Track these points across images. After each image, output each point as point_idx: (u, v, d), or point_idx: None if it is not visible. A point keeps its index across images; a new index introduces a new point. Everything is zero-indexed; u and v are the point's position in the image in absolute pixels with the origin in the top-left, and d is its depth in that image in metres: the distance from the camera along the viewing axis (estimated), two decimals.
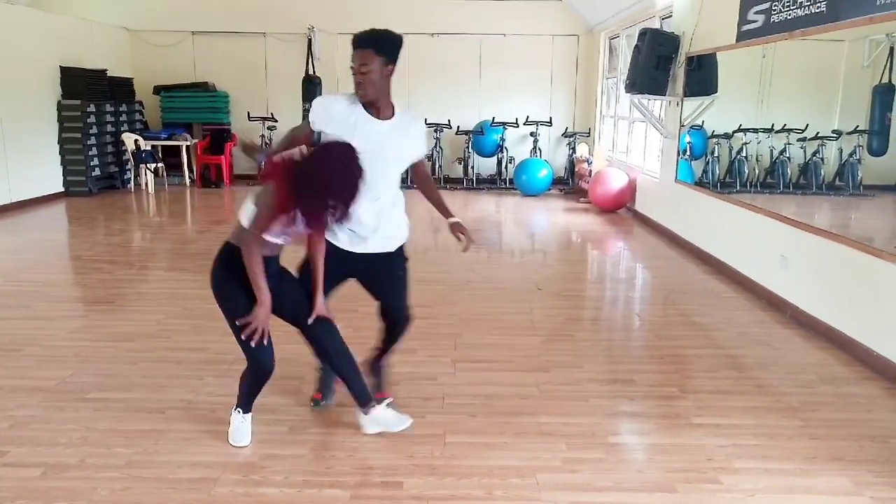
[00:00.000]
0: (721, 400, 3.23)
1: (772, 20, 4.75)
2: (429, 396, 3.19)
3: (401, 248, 2.88)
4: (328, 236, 2.71)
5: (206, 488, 2.44)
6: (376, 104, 2.63)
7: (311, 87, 10.14)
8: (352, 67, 2.56)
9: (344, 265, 2.77)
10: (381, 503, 2.38)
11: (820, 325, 4.12)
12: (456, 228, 2.89)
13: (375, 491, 2.45)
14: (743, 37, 5.22)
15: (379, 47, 2.55)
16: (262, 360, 2.61)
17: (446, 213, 2.93)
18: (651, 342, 4.15)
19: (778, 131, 5.41)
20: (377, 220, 2.70)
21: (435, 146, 10.27)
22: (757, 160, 5.73)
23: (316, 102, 2.71)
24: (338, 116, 2.61)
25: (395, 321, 2.96)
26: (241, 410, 2.79)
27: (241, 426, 2.78)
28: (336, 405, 3.10)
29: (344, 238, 2.73)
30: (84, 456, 2.63)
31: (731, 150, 6.31)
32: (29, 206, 8.32)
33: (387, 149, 2.64)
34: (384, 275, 2.86)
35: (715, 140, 6.57)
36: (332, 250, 2.73)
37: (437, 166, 10.26)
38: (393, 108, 2.70)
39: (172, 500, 2.37)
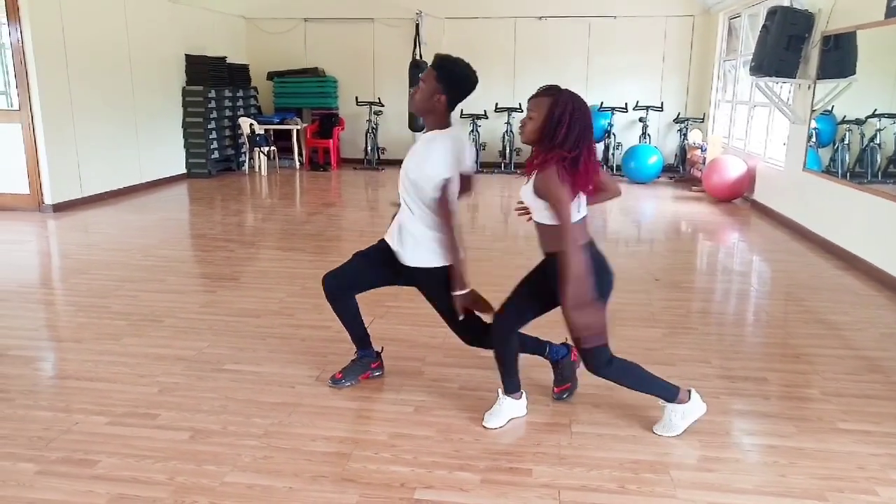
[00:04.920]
0: (868, 405, 3.01)
1: None
2: (550, 384, 3.14)
3: (428, 271, 2.82)
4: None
5: (341, 462, 2.51)
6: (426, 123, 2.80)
7: (418, 72, 10.20)
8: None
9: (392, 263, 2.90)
10: (512, 489, 2.37)
11: None
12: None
13: (505, 476, 2.44)
14: (894, 12, 4.79)
15: (441, 70, 2.69)
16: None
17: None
18: (780, 339, 3.92)
19: None
20: (396, 226, 2.86)
21: None
22: (893, 148, 5.29)
23: None
24: None
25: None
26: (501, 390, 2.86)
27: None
28: (459, 388, 3.13)
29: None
30: (226, 423, 2.77)
31: (862, 138, 5.86)
32: (156, 186, 8.88)
33: (407, 164, 2.80)
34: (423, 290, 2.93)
35: (845, 126, 6.12)
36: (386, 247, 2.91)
37: None
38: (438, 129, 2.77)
39: (309, 471, 2.45)
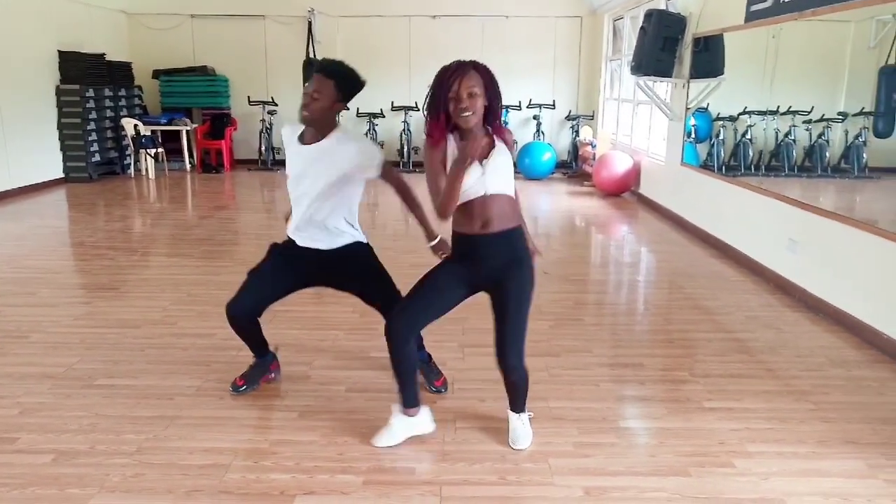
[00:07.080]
0: (732, 384, 3.22)
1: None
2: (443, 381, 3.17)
3: (352, 249, 2.85)
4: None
5: (218, 474, 2.42)
6: (312, 130, 2.71)
7: (312, 70, 10.03)
8: (306, 88, 2.64)
9: (298, 262, 2.86)
10: (394, 489, 2.37)
11: (828, 307, 4.10)
12: (438, 249, 2.83)
13: (388, 476, 2.44)
14: (752, 17, 5.14)
15: (340, 80, 2.63)
16: None
17: (428, 232, 2.87)
18: (659, 326, 4.14)
19: (783, 113, 5.36)
20: (306, 228, 2.80)
21: None
22: (763, 143, 5.68)
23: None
24: (286, 140, 2.82)
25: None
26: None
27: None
28: (346, 390, 3.10)
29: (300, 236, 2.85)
30: (94, 442, 2.62)
31: (735, 133, 6.26)
32: (29, 192, 8.28)
33: (308, 172, 2.71)
34: (343, 274, 2.88)
35: (720, 122, 6.52)
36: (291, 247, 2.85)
37: None
38: (330, 133, 2.71)
39: (184, 486, 2.35)
